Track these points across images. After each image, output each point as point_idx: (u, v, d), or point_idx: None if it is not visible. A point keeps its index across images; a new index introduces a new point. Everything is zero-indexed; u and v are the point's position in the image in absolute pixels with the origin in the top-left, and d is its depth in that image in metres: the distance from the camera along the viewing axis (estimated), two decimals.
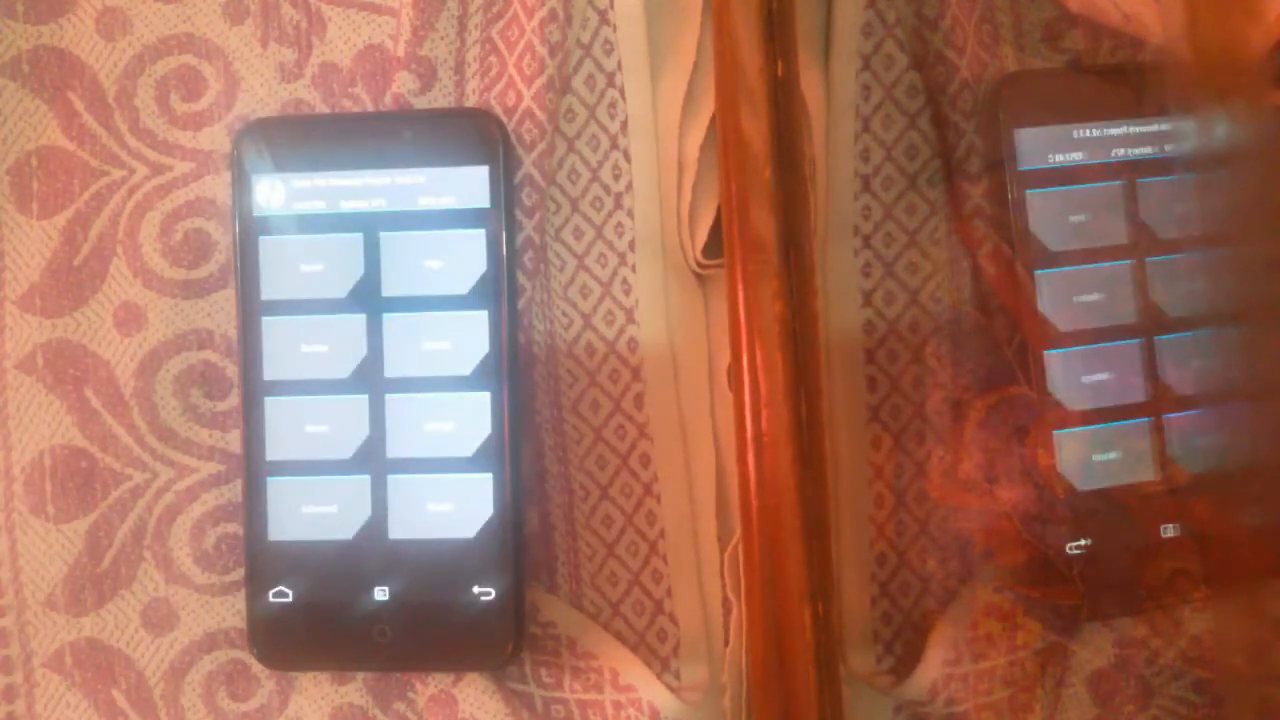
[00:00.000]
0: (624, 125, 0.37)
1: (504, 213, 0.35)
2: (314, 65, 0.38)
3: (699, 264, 0.37)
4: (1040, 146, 0.37)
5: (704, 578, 0.37)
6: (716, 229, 0.37)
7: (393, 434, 0.35)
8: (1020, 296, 0.37)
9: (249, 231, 0.36)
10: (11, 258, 0.38)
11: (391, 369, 0.35)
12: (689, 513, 0.37)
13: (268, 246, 0.36)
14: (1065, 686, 0.37)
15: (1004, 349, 0.37)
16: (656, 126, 0.37)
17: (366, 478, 0.35)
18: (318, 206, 0.36)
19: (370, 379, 0.35)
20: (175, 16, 0.38)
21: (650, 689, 0.36)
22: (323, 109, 0.38)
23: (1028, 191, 0.36)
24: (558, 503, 0.37)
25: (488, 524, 0.35)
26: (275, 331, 0.36)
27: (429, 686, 0.36)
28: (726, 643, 0.37)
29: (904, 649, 0.37)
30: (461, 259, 0.35)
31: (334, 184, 0.36)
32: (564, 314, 0.37)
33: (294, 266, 0.36)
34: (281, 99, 0.38)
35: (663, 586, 0.37)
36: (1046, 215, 0.37)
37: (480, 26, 0.37)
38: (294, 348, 0.36)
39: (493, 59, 0.36)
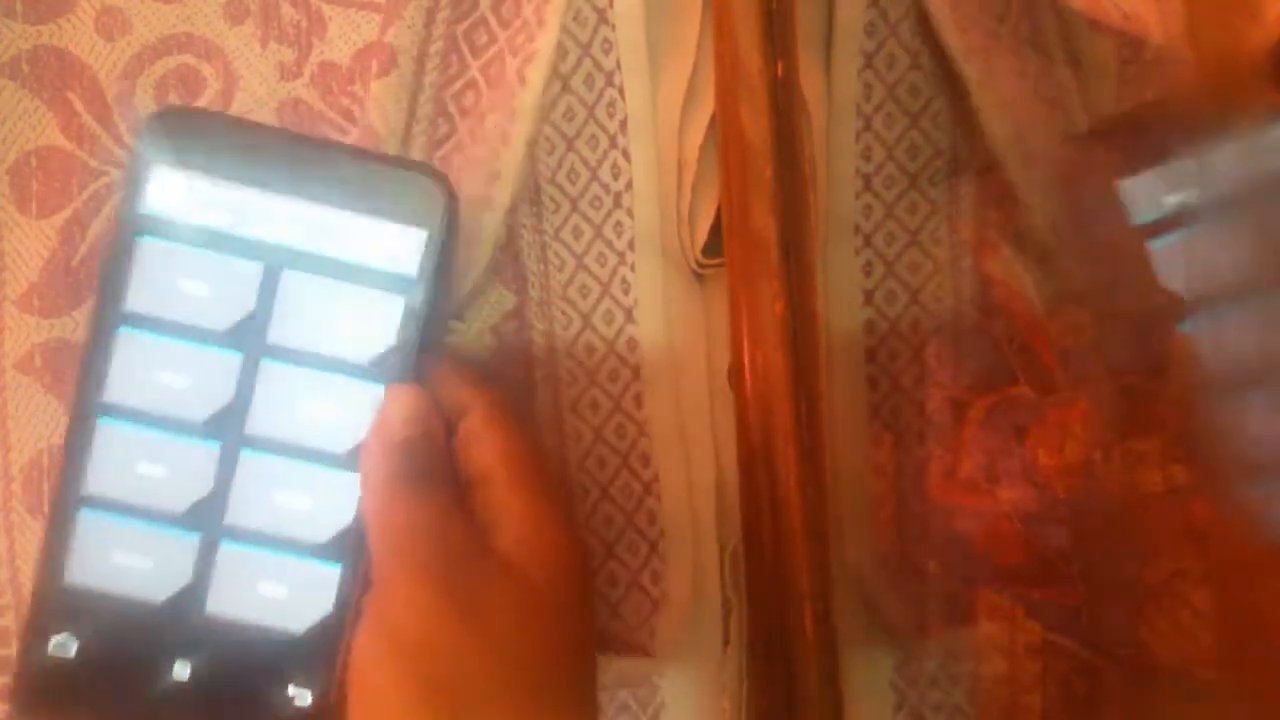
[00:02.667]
0: (623, 124, 0.37)
1: (430, 286, 0.31)
2: (313, 64, 0.38)
3: (699, 264, 0.37)
4: (1152, 192, 0.33)
5: (704, 578, 0.37)
6: (716, 229, 0.37)
7: (238, 496, 0.31)
8: (1019, 296, 0.37)
9: (128, 226, 0.31)
10: (11, 258, 0.38)
11: (255, 424, 0.31)
12: (689, 513, 0.37)
13: (146, 250, 0.31)
14: (1065, 686, 0.37)
15: (1004, 349, 0.37)
16: (656, 126, 0.37)
17: (195, 538, 0.31)
18: (218, 220, 0.31)
19: (227, 428, 0.31)
20: (175, 16, 0.38)
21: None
22: (321, 107, 0.38)
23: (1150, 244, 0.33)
24: None
25: (322, 621, 0.31)
26: (130, 348, 0.31)
27: None
28: (726, 643, 0.37)
29: (909, 648, 0.37)
30: (369, 324, 0.31)
31: (244, 200, 0.31)
32: (563, 313, 0.37)
33: (171, 280, 0.31)
34: (280, 98, 0.38)
35: (662, 586, 0.37)
36: (1174, 264, 0.33)
37: (447, 22, 0.36)
38: (148, 371, 0.31)
39: (453, 56, 0.36)
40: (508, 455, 0.31)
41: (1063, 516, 0.36)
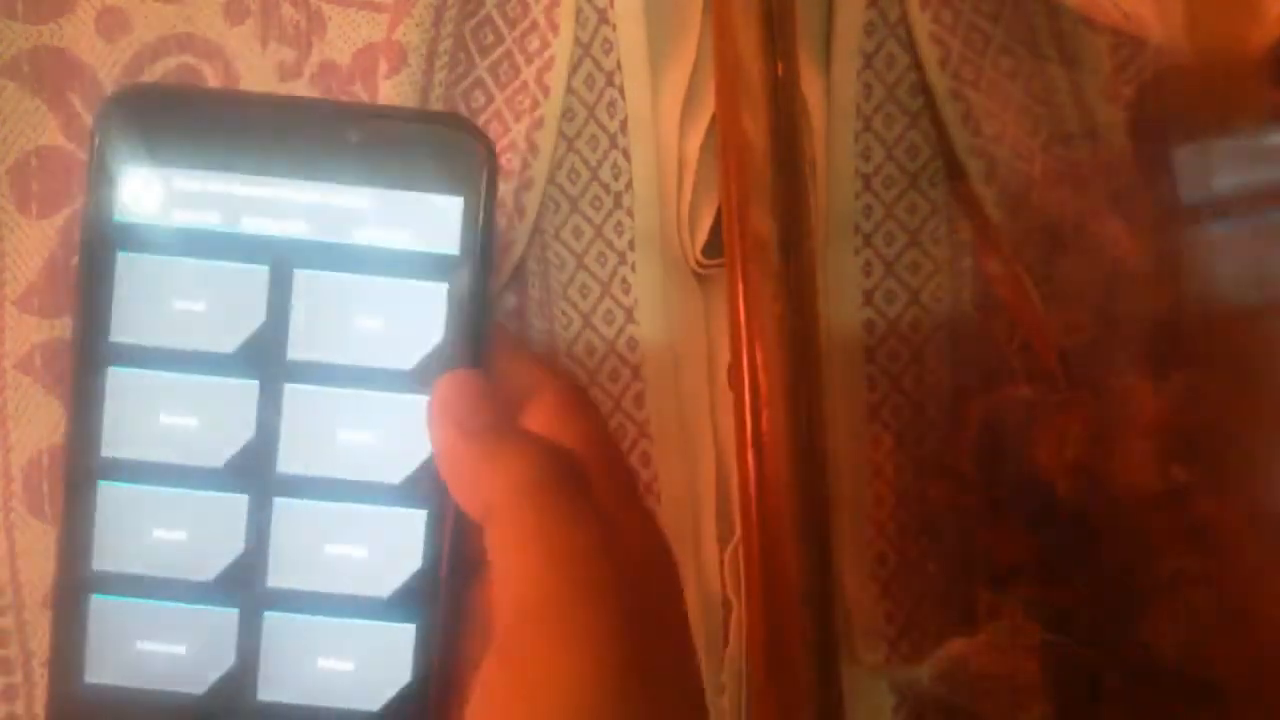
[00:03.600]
0: (623, 124, 0.37)
1: (477, 265, 0.26)
2: (313, 64, 0.38)
3: (699, 264, 0.37)
4: (1204, 167, 0.28)
5: (704, 578, 0.37)
6: (716, 229, 0.37)
7: (279, 555, 0.26)
8: (1019, 296, 0.37)
9: (102, 242, 0.25)
10: (11, 258, 0.38)
11: (288, 463, 0.26)
12: (689, 513, 0.37)
13: (128, 268, 0.25)
14: (1065, 686, 0.37)
15: (1004, 349, 0.37)
16: (656, 126, 0.37)
17: (234, 612, 0.26)
18: (209, 220, 0.25)
19: (255, 473, 0.26)
20: (175, 16, 0.38)
21: None
22: None
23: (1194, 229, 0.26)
24: None
25: (403, 694, 0.25)
26: (124, 390, 0.26)
27: None
28: (726, 643, 0.37)
29: (910, 647, 0.38)
30: (409, 322, 0.26)
31: (236, 191, 0.25)
32: (564, 313, 0.37)
33: (163, 301, 0.25)
34: None
35: None
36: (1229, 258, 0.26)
37: (455, 20, 0.36)
38: (149, 417, 0.26)
39: (461, 55, 0.36)
40: (593, 450, 0.25)
41: (1063, 516, 0.36)
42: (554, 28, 0.36)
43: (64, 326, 0.38)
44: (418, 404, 0.26)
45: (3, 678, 0.37)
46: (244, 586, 0.26)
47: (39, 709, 0.37)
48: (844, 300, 0.37)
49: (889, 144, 0.37)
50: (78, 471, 0.26)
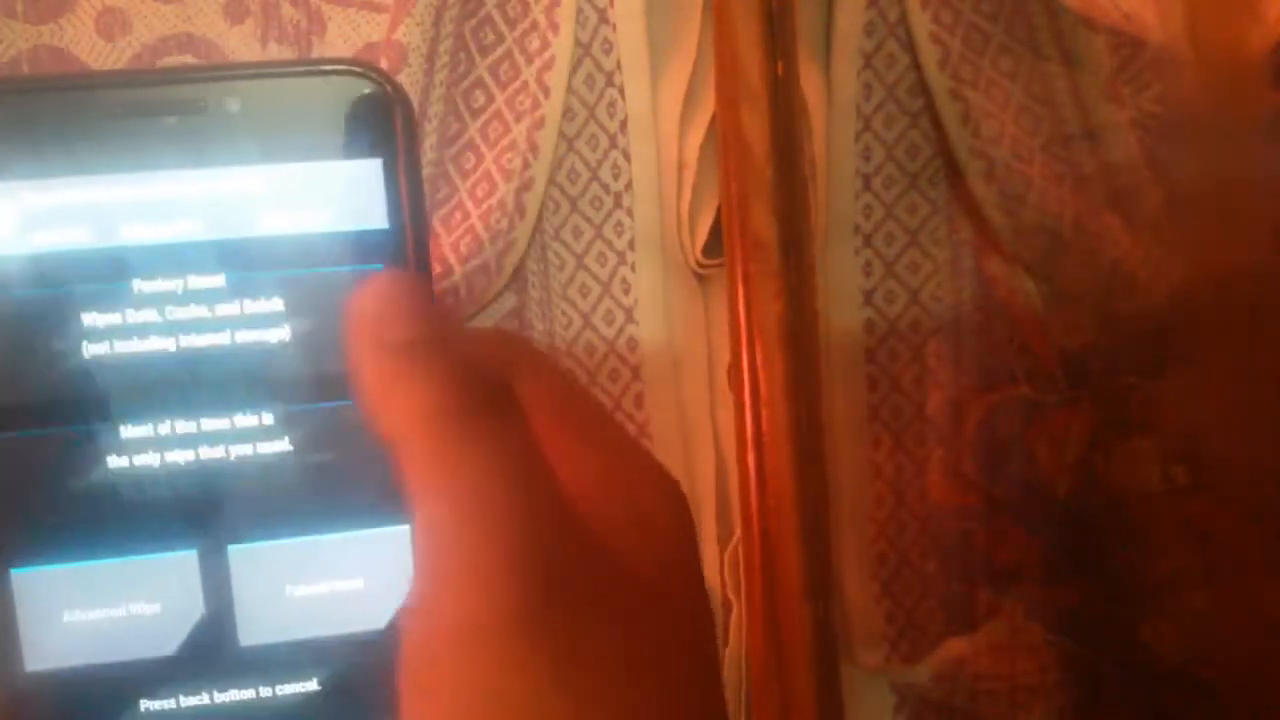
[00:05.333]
0: (623, 124, 0.37)
1: (416, 235, 0.21)
2: None
3: (699, 264, 0.37)
4: None
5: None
6: (716, 229, 0.37)
7: (246, 613, 0.21)
8: (1019, 296, 0.37)
9: None
10: None
11: (237, 508, 0.21)
12: None
13: None
14: (1065, 686, 0.37)
15: (1004, 349, 0.37)
16: (656, 126, 0.37)
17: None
18: (76, 239, 0.20)
19: (198, 522, 0.21)
20: (175, 16, 0.38)
21: None
22: None
23: None
24: None
25: None
26: (23, 455, 0.20)
27: None
28: (726, 643, 0.37)
29: (910, 647, 0.38)
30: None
31: (105, 197, 0.20)
32: (563, 313, 0.37)
33: (39, 348, 0.20)
34: None
35: None
36: None
37: (455, 20, 0.36)
38: (55, 481, 0.21)
39: (461, 55, 0.36)
40: (535, 390, 0.21)
41: (1063, 516, 0.36)
42: (554, 28, 0.36)
43: None
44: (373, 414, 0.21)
45: None
46: (211, 664, 0.21)
47: None
48: (844, 300, 0.37)
49: (889, 144, 0.37)
50: None
